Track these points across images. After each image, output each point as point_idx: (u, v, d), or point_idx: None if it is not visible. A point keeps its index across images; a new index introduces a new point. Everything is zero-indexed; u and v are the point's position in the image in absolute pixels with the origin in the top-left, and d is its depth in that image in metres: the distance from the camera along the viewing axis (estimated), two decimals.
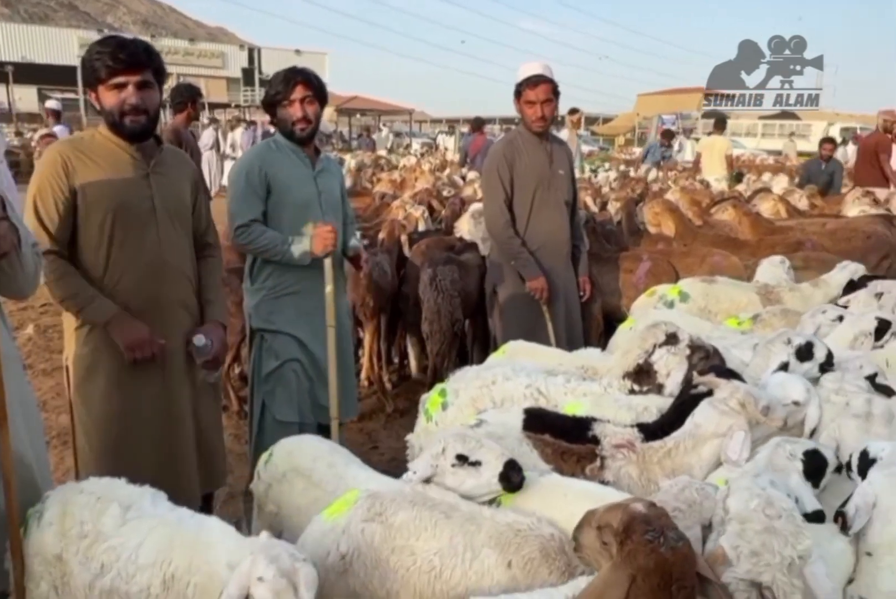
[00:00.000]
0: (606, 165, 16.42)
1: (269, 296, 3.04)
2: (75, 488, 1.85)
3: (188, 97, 5.95)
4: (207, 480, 2.67)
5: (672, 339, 2.65)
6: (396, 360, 5.26)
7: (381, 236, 4.94)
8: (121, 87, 2.28)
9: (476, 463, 1.88)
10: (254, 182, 2.93)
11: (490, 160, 4.02)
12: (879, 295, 3.34)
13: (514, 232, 3.87)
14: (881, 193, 7.56)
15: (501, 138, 4.27)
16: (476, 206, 5.01)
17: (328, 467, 2.11)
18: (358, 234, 3.58)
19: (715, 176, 9.14)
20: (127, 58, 2.25)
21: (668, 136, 13.27)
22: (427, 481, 1.92)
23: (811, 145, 23.86)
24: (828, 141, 9.34)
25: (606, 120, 42.21)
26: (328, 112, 32.83)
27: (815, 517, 1.74)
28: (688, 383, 2.45)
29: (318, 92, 2.95)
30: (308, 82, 2.92)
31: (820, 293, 3.72)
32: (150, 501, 1.81)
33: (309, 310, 3.02)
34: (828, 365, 2.59)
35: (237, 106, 34.60)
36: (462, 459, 1.88)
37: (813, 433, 2.28)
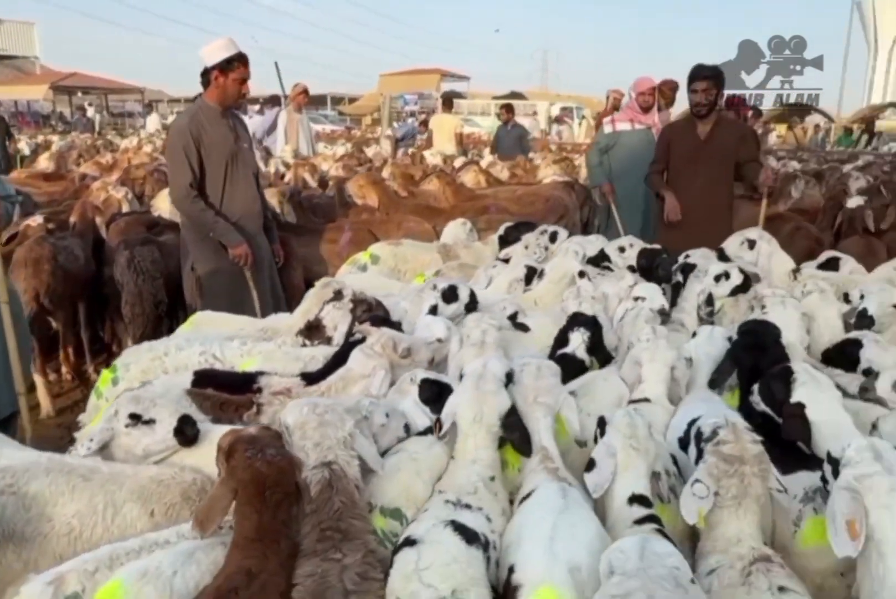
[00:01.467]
0: (349, 144, 16.64)
1: None
2: None
3: None
4: None
5: (338, 295, 2.89)
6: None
7: (73, 219, 4.64)
8: None
9: (150, 421, 1.95)
10: None
11: (174, 137, 3.94)
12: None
13: (204, 205, 3.86)
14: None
15: (182, 114, 4.19)
16: None
17: None
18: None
19: (432, 151, 9.76)
20: None
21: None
22: (105, 446, 1.95)
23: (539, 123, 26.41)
24: (503, 107, 10.33)
25: (353, 100, 42.48)
26: (42, 90, 29.15)
27: (424, 432, 2.07)
28: (351, 333, 2.71)
29: None
30: None
31: (489, 249, 4.28)
32: None
33: None
34: (472, 305, 2.99)
35: None
36: (135, 418, 1.94)
37: None
